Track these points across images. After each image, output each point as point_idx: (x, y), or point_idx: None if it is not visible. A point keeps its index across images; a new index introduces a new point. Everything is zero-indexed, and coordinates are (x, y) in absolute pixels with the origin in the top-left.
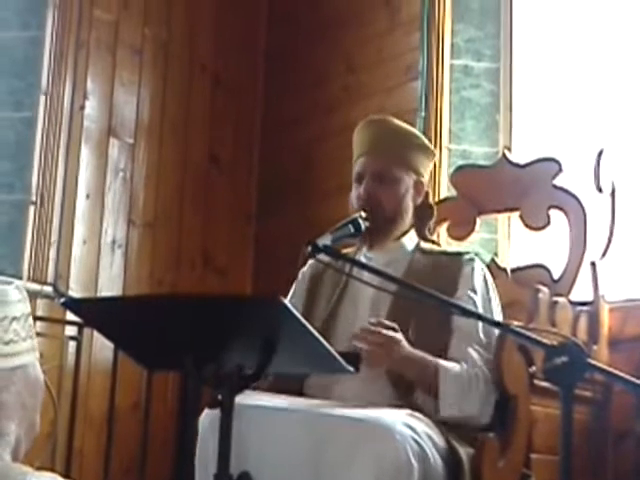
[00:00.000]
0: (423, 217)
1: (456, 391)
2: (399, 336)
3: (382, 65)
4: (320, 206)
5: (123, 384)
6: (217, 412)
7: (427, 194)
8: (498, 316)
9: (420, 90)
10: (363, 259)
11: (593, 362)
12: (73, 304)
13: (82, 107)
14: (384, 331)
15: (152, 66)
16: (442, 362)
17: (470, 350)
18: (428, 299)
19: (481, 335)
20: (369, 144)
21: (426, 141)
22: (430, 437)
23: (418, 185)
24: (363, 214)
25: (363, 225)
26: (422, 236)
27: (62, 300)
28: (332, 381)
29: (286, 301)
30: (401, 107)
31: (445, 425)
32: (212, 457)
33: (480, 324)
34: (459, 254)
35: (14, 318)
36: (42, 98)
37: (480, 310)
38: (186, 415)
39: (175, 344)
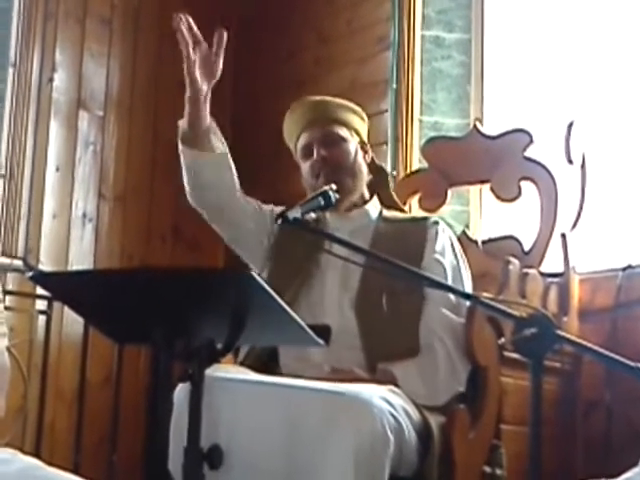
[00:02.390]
0: (380, 182)
1: (421, 389)
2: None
3: (353, 36)
4: (292, 180)
5: (94, 358)
6: (190, 385)
7: (373, 159)
8: (466, 276)
9: (391, 61)
10: (327, 229)
11: (562, 333)
12: (42, 278)
13: (51, 79)
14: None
15: (122, 37)
16: (398, 372)
17: (443, 316)
18: (397, 271)
19: (452, 297)
20: (305, 120)
21: (356, 106)
22: (405, 410)
23: (363, 146)
24: (334, 186)
25: (334, 197)
26: (384, 202)
27: (31, 274)
28: (304, 366)
29: (255, 273)
30: (372, 78)
31: None
32: (186, 431)
33: (449, 299)
34: (422, 219)
35: None
36: (10, 71)
37: (449, 272)
38: (157, 389)
39: (145, 318)
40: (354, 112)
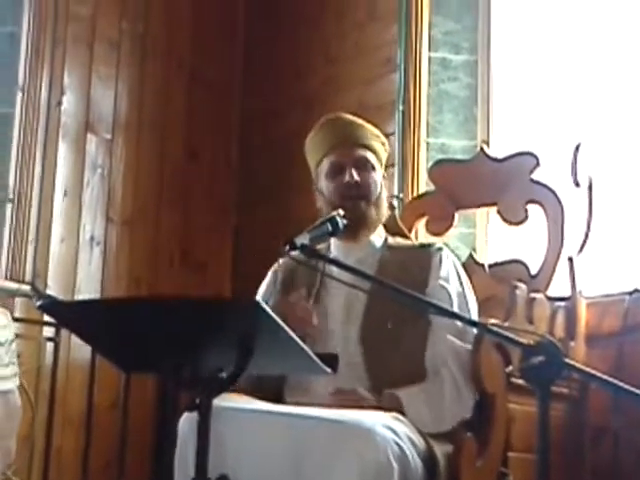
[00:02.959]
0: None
1: (426, 414)
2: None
3: (360, 57)
4: (299, 201)
5: (101, 384)
6: (196, 415)
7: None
8: (472, 302)
9: (398, 83)
10: (331, 256)
11: (569, 361)
12: (50, 307)
13: (59, 103)
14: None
15: (129, 60)
16: (402, 396)
17: (446, 341)
18: (402, 298)
19: (457, 323)
20: (339, 137)
21: (383, 137)
22: (410, 438)
23: (384, 178)
24: (341, 212)
25: (341, 223)
26: (389, 229)
27: (39, 303)
28: (311, 380)
29: (262, 302)
30: (379, 100)
31: None
32: (191, 460)
33: (456, 309)
34: (426, 246)
35: None
36: (19, 94)
37: (454, 299)
38: (164, 417)
39: (152, 347)
40: (382, 143)
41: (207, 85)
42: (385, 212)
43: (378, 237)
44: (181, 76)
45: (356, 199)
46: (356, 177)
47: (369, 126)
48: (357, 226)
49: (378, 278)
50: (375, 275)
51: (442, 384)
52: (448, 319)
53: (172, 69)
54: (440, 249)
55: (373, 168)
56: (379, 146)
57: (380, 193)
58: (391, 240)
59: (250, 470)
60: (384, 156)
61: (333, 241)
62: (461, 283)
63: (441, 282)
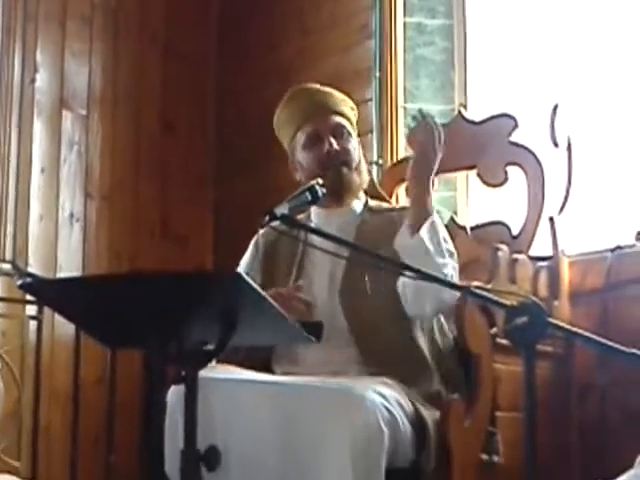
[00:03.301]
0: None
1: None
2: None
3: (335, 26)
4: (278, 172)
5: (87, 360)
6: (184, 387)
7: None
8: (451, 247)
9: (374, 49)
10: (312, 225)
11: (553, 321)
12: (31, 286)
13: (33, 80)
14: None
15: (102, 36)
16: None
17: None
18: (384, 263)
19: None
20: (312, 107)
21: (351, 101)
22: (399, 402)
23: (359, 143)
24: (320, 180)
25: (320, 192)
26: (369, 193)
27: (20, 282)
28: (299, 351)
29: (244, 274)
30: (356, 67)
31: (411, 389)
32: (181, 432)
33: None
34: (406, 207)
35: None
36: None
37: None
38: (151, 390)
39: (136, 322)
40: (352, 108)
41: (182, 58)
42: (366, 177)
43: (358, 202)
44: (155, 50)
45: (338, 166)
46: (335, 145)
47: (337, 92)
48: (341, 192)
49: (354, 244)
50: (355, 238)
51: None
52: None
53: (146, 43)
54: None
55: (350, 134)
56: (350, 112)
57: (360, 158)
58: (372, 203)
59: (240, 440)
60: (355, 121)
61: (313, 209)
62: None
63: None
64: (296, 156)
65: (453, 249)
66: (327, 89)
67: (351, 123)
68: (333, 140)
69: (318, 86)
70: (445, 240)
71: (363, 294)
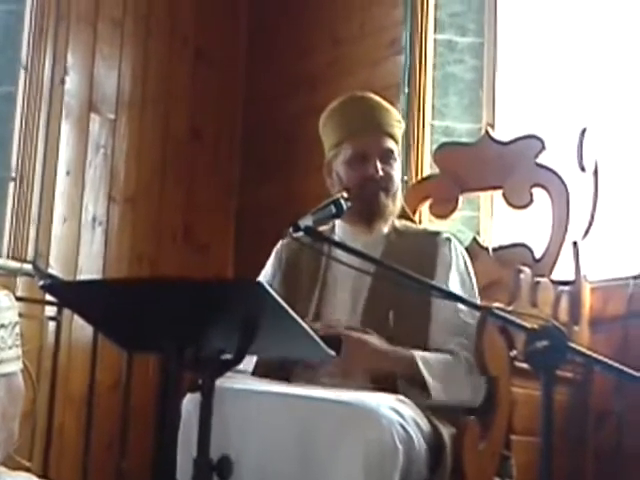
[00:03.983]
0: None
1: (440, 376)
2: (365, 337)
3: (366, 39)
4: (302, 182)
5: (103, 364)
6: (200, 396)
7: None
8: (476, 298)
9: (403, 65)
10: (336, 239)
11: (573, 346)
12: (52, 287)
13: (62, 82)
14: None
15: (133, 39)
16: (418, 352)
17: (451, 338)
18: (409, 281)
19: (462, 320)
20: (365, 123)
21: (400, 117)
22: (415, 421)
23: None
24: (345, 195)
25: (345, 206)
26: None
27: (41, 283)
28: (314, 375)
29: (266, 284)
30: (385, 82)
31: (430, 408)
32: (195, 441)
33: (460, 309)
34: (434, 234)
35: (1, 326)
36: (22, 73)
37: (460, 292)
38: (167, 397)
39: (155, 327)
40: (401, 127)
41: (211, 64)
42: (399, 203)
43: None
44: (185, 55)
45: (377, 191)
46: (380, 172)
47: (393, 110)
48: (373, 217)
49: (383, 262)
50: (381, 258)
51: (460, 363)
52: (451, 317)
53: (176, 48)
54: (449, 239)
55: (395, 159)
56: (399, 132)
57: (398, 184)
58: (398, 223)
59: (253, 451)
60: (400, 140)
61: (338, 223)
62: (469, 275)
63: (449, 274)
64: (335, 165)
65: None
66: (385, 105)
67: (398, 144)
68: (379, 164)
69: (378, 100)
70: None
71: (385, 326)
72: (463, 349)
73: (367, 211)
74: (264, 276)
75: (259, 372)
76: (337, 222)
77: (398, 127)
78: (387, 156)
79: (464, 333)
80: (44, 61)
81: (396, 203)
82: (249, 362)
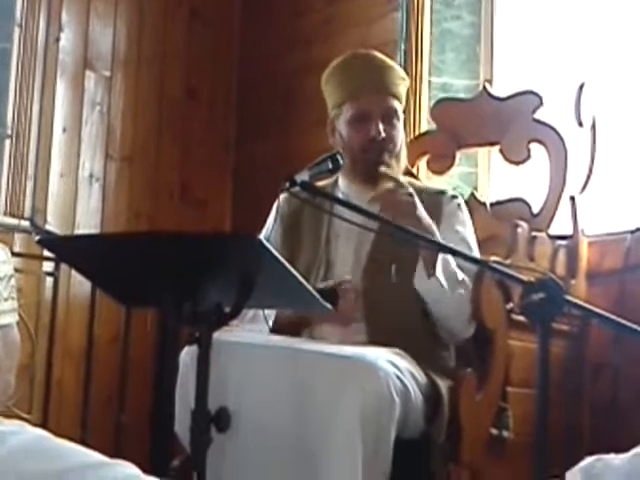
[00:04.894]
0: None
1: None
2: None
3: None
4: (299, 138)
5: (102, 318)
6: (197, 348)
7: None
8: (464, 286)
9: (400, 22)
10: (340, 196)
11: (570, 298)
12: (50, 242)
13: (57, 39)
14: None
15: None
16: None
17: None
18: (411, 237)
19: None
20: (369, 82)
21: (405, 75)
22: (412, 373)
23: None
24: (341, 150)
25: (342, 161)
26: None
27: (38, 238)
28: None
29: (263, 239)
30: (381, 39)
31: (425, 362)
32: (192, 393)
33: (459, 267)
34: (440, 192)
35: None
36: (16, 31)
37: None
38: (165, 351)
39: (153, 281)
40: (406, 84)
41: (206, 22)
42: (404, 162)
43: None
44: (180, 13)
45: (380, 152)
46: (383, 133)
47: (397, 68)
48: (376, 177)
49: (385, 217)
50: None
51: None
52: (449, 273)
53: (171, 6)
54: (455, 197)
55: (399, 119)
56: (404, 90)
57: (402, 144)
58: (403, 180)
59: (251, 403)
60: (404, 99)
61: (341, 179)
62: (472, 236)
63: (457, 228)
64: (338, 124)
65: (463, 276)
66: (390, 63)
67: (402, 103)
68: (381, 125)
69: (382, 58)
70: (456, 272)
71: (387, 280)
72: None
73: (372, 173)
74: (265, 231)
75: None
76: (340, 178)
77: (402, 85)
78: (390, 116)
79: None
80: (39, 19)
81: (400, 162)
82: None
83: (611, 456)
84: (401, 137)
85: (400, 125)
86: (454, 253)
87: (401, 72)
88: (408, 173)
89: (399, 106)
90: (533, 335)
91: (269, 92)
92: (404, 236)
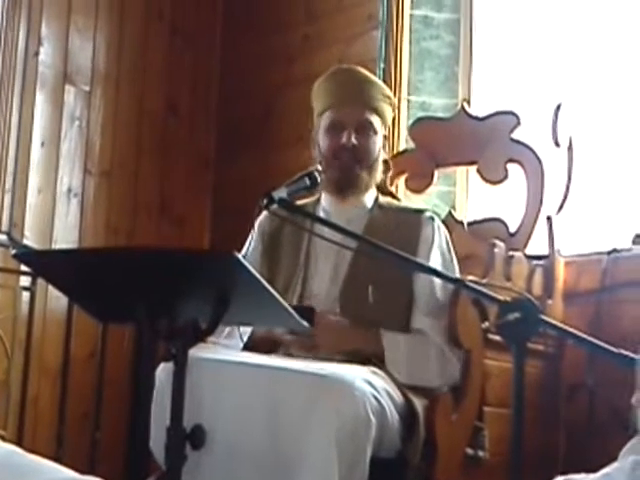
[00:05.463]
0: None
1: (406, 361)
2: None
3: (342, 13)
4: (279, 156)
5: (78, 334)
6: (173, 365)
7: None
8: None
9: (380, 40)
10: (322, 213)
11: (545, 318)
12: (26, 256)
13: (37, 53)
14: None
15: (108, 11)
16: (387, 333)
17: (426, 319)
18: (389, 257)
19: (440, 300)
20: (345, 93)
21: (391, 94)
22: (388, 393)
23: (385, 139)
24: (319, 167)
25: (319, 178)
26: (381, 189)
27: (14, 252)
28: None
29: (240, 256)
30: (361, 57)
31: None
32: (168, 410)
33: (438, 289)
34: (418, 212)
35: None
36: None
37: (440, 269)
38: (141, 367)
39: (129, 297)
40: (391, 104)
41: (187, 37)
42: (379, 175)
43: (369, 196)
44: (160, 28)
45: (349, 161)
46: (353, 141)
47: (381, 85)
48: (346, 187)
49: (365, 237)
50: (363, 232)
51: (427, 346)
52: (429, 299)
53: (151, 21)
54: (432, 219)
55: (375, 132)
56: (386, 108)
57: (377, 157)
58: (382, 200)
59: (226, 421)
60: (390, 117)
61: (324, 195)
62: (450, 253)
63: (431, 253)
64: (317, 135)
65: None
66: (371, 78)
67: (383, 120)
68: (354, 136)
69: (365, 73)
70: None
71: (364, 301)
72: (437, 333)
73: (340, 180)
74: (245, 248)
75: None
76: (323, 194)
77: (383, 101)
78: (364, 127)
79: (440, 314)
80: (18, 32)
81: (373, 175)
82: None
83: (581, 476)
84: (376, 150)
85: (376, 138)
86: (432, 272)
87: (385, 89)
88: (386, 192)
89: (376, 120)
90: (509, 355)
91: (249, 108)
92: (382, 255)
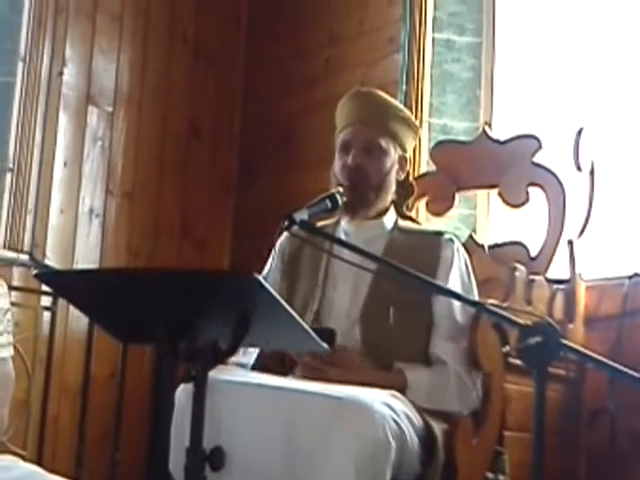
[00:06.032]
0: (402, 194)
1: (426, 393)
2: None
3: (364, 37)
4: (300, 179)
5: (99, 355)
6: (193, 386)
7: (408, 172)
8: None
9: (401, 63)
10: (342, 235)
11: (567, 342)
12: (47, 276)
13: (61, 73)
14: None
15: (132, 34)
16: (407, 374)
17: (446, 344)
18: (409, 279)
19: (459, 323)
20: (357, 114)
21: (412, 117)
22: (407, 416)
23: (402, 161)
24: (341, 189)
25: (340, 200)
26: (400, 213)
27: (36, 272)
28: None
29: (261, 277)
30: (383, 80)
31: None
32: (187, 431)
33: (457, 312)
34: (437, 234)
35: None
36: (20, 65)
37: (459, 291)
38: (161, 388)
39: (149, 318)
40: (409, 126)
41: (210, 60)
42: (389, 196)
43: (388, 218)
44: (184, 51)
45: (353, 181)
46: (357, 161)
47: (397, 106)
48: (356, 206)
49: (384, 258)
50: (382, 255)
51: (448, 375)
52: (448, 323)
53: (175, 44)
54: (452, 241)
55: (385, 153)
56: (402, 128)
57: (385, 178)
58: (401, 222)
59: (245, 443)
60: (408, 138)
61: (343, 218)
62: (469, 278)
63: (451, 275)
64: (335, 152)
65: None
66: (389, 101)
67: (398, 142)
68: (359, 156)
69: (382, 96)
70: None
71: (385, 322)
72: (456, 358)
73: (349, 200)
74: (266, 269)
75: (259, 366)
76: (342, 217)
77: (399, 122)
78: (370, 149)
79: (460, 337)
80: (42, 53)
81: (381, 197)
82: (249, 356)
83: None
84: (383, 172)
85: (386, 160)
86: (452, 296)
87: (403, 112)
88: (405, 217)
89: (388, 142)
90: (530, 379)
91: (271, 131)
92: (404, 278)
